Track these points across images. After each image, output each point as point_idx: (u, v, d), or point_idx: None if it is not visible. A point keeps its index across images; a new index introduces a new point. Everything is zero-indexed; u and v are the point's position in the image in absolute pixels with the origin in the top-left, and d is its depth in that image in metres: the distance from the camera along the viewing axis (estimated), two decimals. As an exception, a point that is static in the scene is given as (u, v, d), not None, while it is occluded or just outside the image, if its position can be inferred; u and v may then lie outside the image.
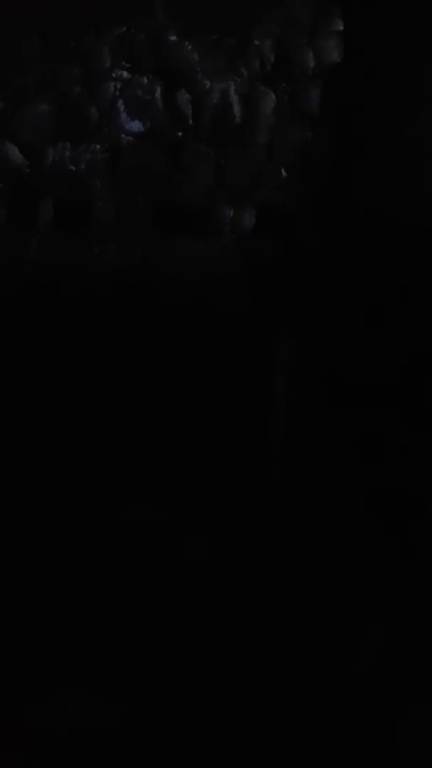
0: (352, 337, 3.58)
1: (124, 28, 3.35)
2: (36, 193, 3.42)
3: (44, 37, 3.29)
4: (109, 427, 3.23)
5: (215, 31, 3.40)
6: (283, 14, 3.40)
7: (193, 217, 3.54)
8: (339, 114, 3.51)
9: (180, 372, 3.47)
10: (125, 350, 3.50)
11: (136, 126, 3.46)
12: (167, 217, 3.53)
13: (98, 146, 3.44)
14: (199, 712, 2.08)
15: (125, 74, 3.41)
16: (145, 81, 3.42)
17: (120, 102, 3.43)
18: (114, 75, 3.40)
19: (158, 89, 3.44)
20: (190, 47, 3.41)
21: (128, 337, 3.50)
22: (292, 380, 3.26)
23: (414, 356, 2.96)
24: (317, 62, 3.48)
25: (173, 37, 3.39)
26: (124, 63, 3.39)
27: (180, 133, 3.48)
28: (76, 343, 3.49)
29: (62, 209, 3.47)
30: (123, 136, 3.44)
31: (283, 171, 3.58)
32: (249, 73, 3.47)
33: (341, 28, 3.45)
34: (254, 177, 3.56)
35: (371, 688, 2.14)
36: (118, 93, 3.42)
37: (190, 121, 3.47)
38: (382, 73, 3.54)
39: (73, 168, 3.44)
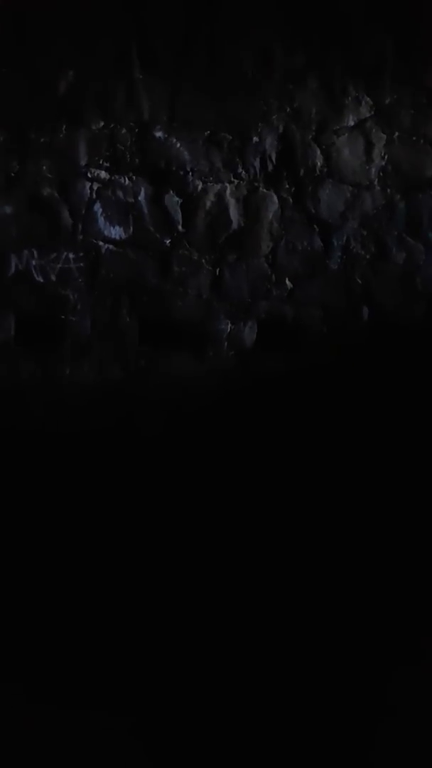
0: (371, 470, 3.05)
1: (102, 122, 2.88)
2: (-5, 307, 2.87)
3: (9, 129, 2.81)
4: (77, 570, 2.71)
5: (208, 126, 2.95)
6: (287, 106, 2.97)
7: (185, 333, 3.01)
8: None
9: (171, 513, 2.88)
10: (103, 489, 2.90)
11: (116, 232, 2.95)
12: (155, 332, 2.99)
13: (71, 255, 2.92)
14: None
15: (103, 174, 2.92)
16: (127, 181, 2.94)
17: (97, 205, 2.93)
18: (90, 174, 2.91)
19: (142, 191, 2.95)
20: (179, 144, 2.95)
21: (107, 473, 2.90)
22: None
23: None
24: (325, 161, 3.03)
25: (159, 133, 2.93)
26: (101, 161, 2.91)
27: (168, 241, 2.97)
28: (44, 482, 2.88)
29: (27, 325, 2.92)
30: (101, 243, 2.93)
31: (288, 281, 3.08)
32: (247, 173, 3.00)
33: (353, 123, 3.02)
34: (255, 288, 3.05)
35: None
36: (95, 195, 2.92)
37: (181, 227, 2.98)
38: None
39: (41, 279, 2.91)
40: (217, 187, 2.99)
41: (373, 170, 3.08)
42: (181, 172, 2.95)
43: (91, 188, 2.92)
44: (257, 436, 3.06)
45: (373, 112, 3.03)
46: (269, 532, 2.94)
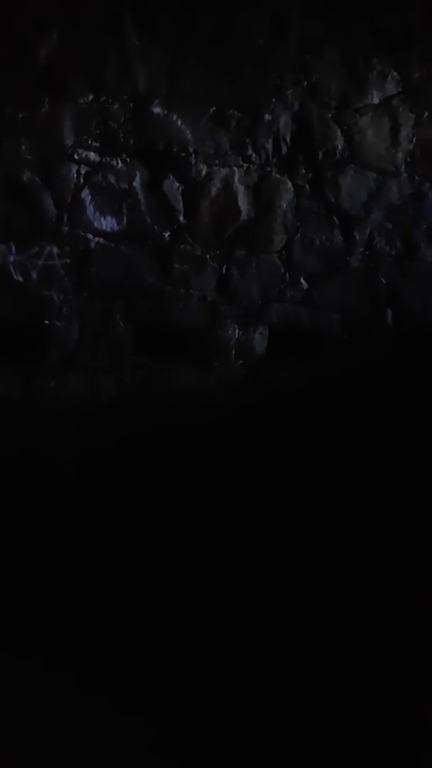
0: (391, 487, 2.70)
1: (91, 96, 2.48)
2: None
3: (-18, 104, 2.40)
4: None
5: (214, 101, 2.56)
6: (303, 80, 2.58)
7: (187, 340, 2.61)
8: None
9: (173, 544, 2.51)
10: (98, 519, 2.52)
11: (107, 223, 2.54)
12: (153, 340, 2.60)
13: (56, 249, 2.51)
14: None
15: (92, 155, 2.52)
16: (120, 164, 2.53)
17: (86, 191, 2.52)
18: (77, 156, 2.50)
19: (138, 175, 2.55)
20: (180, 122, 2.55)
21: (101, 501, 2.52)
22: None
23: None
24: (346, 143, 2.66)
25: (157, 108, 2.54)
26: (90, 141, 2.50)
27: (168, 234, 2.57)
28: (27, 514, 2.49)
29: (5, 332, 2.51)
30: (90, 236, 2.52)
31: (304, 281, 2.70)
32: (258, 156, 2.62)
33: (377, 100, 2.65)
34: (267, 288, 2.66)
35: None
36: (82, 180, 2.51)
37: (182, 218, 2.58)
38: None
39: (21, 278, 2.49)
40: (224, 171, 2.60)
41: (400, 155, 2.70)
42: (183, 154, 2.55)
43: (78, 172, 2.51)
44: (269, 455, 2.69)
45: (400, 89, 2.67)
46: (284, 557, 2.59)
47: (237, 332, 2.66)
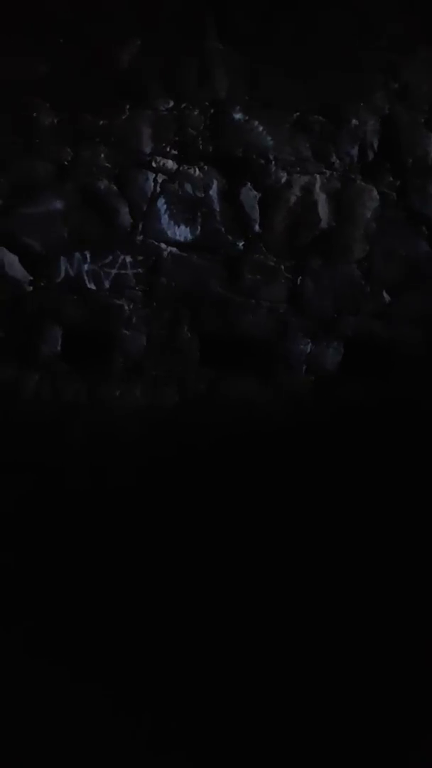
0: None
1: (170, 102, 2.44)
2: (40, 316, 2.50)
3: (61, 110, 2.42)
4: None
5: (296, 107, 2.45)
6: (393, 83, 2.43)
7: (256, 352, 2.55)
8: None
9: (234, 554, 2.47)
10: (156, 530, 2.50)
11: (182, 233, 2.51)
12: (221, 351, 2.55)
13: (129, 258, 2.50)
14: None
15: (170, 163, 2.48)
16: (197, 172, 2.49)
17: (161, 200, 2.50)
18: (155, 164, 2.48)
19: (215, 184, 2.50)
20: (261, 128, 2.47)
21: (161, 512, 2.51)
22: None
23: None
24: (439, 148, 2.48)
25: (238, 115, 2.46)
26: (168, 148, 2.47)
27: (242, 243, 2.51)
28: (88, 524, 2.52)
29: (75, 339, 2.54)
30: (164, 246, 2.50)
31: (385, 294, 2.55)
32: (342, 162, 2.49)
33: (474, 102, 2.45)
34: (343, 300, 2.54)
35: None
36: (159, 188, 2.49)
37: (257, 227, 2.50)
38: None
39: (93, 287, 2.51)
40: (305, 179, 2.49)
41: None
42: (262, 161, 2.47)
43: (155, 180, 2.49)
44: (333, 476, 2.58)
45: None
46: (345, 582, 2.49)
47: (308, 346, 2.56)
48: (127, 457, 2.50)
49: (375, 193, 2.51)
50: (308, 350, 2.57)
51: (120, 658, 2.22)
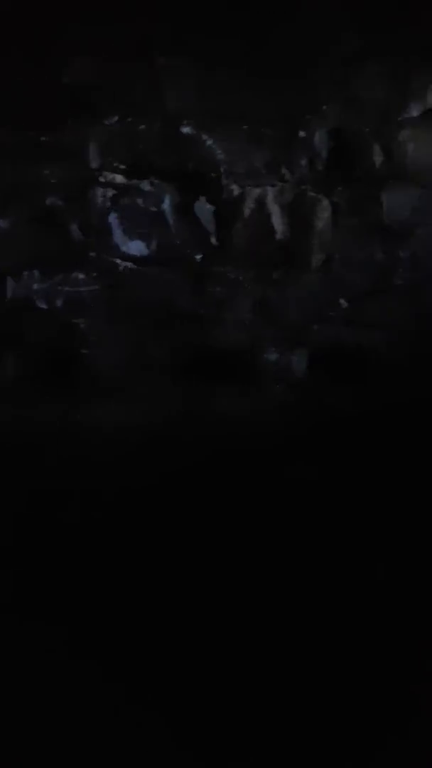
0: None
1: (117, 116, 2.39)
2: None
3: (5, 125, 2.32)
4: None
5: (247, 119, 2.45)
6: (342, 95, 2.46)
7: (225, 364, 2.49)
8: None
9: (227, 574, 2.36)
10: (144, 559, 2.37)
11: (137, 247, 2.44)
12: (193, 366, 2.47)
13: (82, 276, 2.41)
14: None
15: (119, 178, 2.42)
16: (149, 187, 2.43)
17: (113, 215, 2.42)
18: (104, 179, 2.41)
19: (167, 198, 2.45)
20: (210, 141, 2.45)
21: (147, 540, 2.37)
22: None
23: None
24: (387, 157, 2.52)
25: (187, 128, 2.44)
26: (117, 163, 2.41)
27: (200, 257, 2.46)
28: (67, 556, 2.36)
29: (34, 362, 2.40)
30: (119, 261, 2.42)
31: (344, 301, 2.55)
32: (293, 174, 2.50)
33: (417, 113, 2.52)
34: (308, 309, 2.52)
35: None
36: (110, 203, 2.42)
37: (214, 240, 2.46)
38: None
39: (45, 306, 2.40)
40: (257, 191, 2.48)
41: (444, 168, 2.57)
42: (214, 175, 2.44)
43: (105, 196, 2.42)
44: (320, 484, 2.51)
45: (443, 100, 2.54)
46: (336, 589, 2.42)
47: (277, 356, 2.52)
48: (107, 480, 2.36)
49: (326, 203, 2.52)
50: (280, 360, 2.53)
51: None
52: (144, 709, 2.03)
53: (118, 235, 2.43)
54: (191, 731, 2.00)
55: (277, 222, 2.50)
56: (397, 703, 2.12)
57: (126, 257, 2.42)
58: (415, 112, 2.51)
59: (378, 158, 2.52)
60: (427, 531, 2.56)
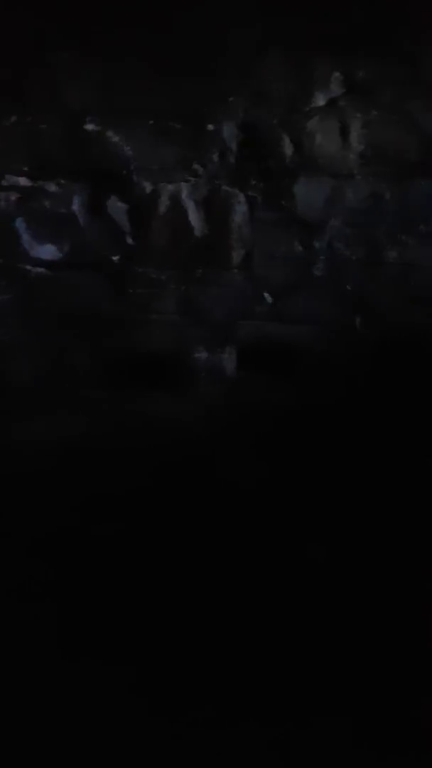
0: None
1: (15, 116, 2.25)
2: None
3: None
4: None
5: (151, 114, 2.36)
6: (246, 87, 2.42)
7: (158, 366, 2.36)
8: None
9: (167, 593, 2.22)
10: (89, 565, 2.19)
11: (47, 251, 2.29)
12: (122, 370, 2.34)
13: (-9, 285, 2.24)
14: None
15: (23, 180, 2.28)
16: (55, 188, 2.30)
17: (20, 220, 2.27)
18: (6, 182, 2.26)
19: (76, 199, 2.32)
20: (116, 138, 2.34)
21: (97, 544, 2.20)
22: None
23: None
24: (297, 148, 2.50)
25: (90, 125, 2.32)
26: (20, 165, 2.27)
27: (117, 258, 2.34)
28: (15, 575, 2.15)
29: None
30: (29, 267, 2.27)
31: (267, 295, 2.49)
32: (205, 168, 2.43)
33: (322, 103, 2.51)
34: (231, 306, 2.44)
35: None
36: (14, 208, 2.27)
37: (130, 240, 2.35)
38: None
39: None
40: (171, 187, 2.39)
41: (352, 157, 2.56)
42: (124, 172, 2.34)
43: (8, 200, 2.27)
44: (261, 483, 2.42)
45: (344, 89, 2.54)
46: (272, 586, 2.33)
47: (206, 355, 2.43)
48: (42, 496, 2.17)
49: (242, 197, 2.46)
50: (210, 359, 2.43)
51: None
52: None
53: (26, 240, 2.28)
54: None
55: (194, 218, 2.41)
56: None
57: (37, 263, 2.27)
58: (321, 101, 2.52)
59: (288, 150, 2.50)
60: (367, 521, 2.53)
